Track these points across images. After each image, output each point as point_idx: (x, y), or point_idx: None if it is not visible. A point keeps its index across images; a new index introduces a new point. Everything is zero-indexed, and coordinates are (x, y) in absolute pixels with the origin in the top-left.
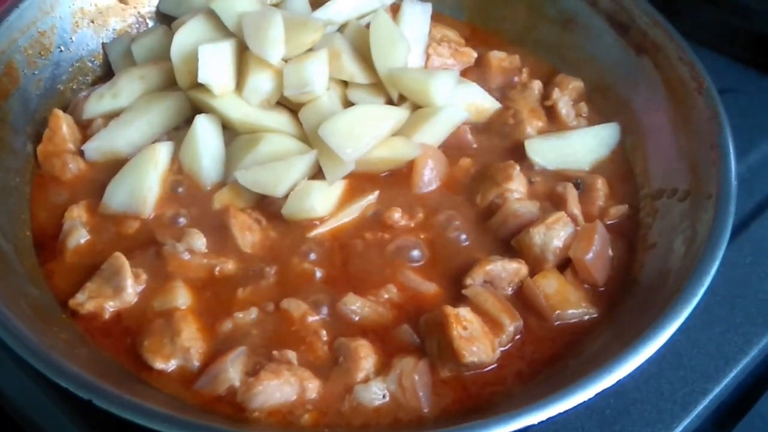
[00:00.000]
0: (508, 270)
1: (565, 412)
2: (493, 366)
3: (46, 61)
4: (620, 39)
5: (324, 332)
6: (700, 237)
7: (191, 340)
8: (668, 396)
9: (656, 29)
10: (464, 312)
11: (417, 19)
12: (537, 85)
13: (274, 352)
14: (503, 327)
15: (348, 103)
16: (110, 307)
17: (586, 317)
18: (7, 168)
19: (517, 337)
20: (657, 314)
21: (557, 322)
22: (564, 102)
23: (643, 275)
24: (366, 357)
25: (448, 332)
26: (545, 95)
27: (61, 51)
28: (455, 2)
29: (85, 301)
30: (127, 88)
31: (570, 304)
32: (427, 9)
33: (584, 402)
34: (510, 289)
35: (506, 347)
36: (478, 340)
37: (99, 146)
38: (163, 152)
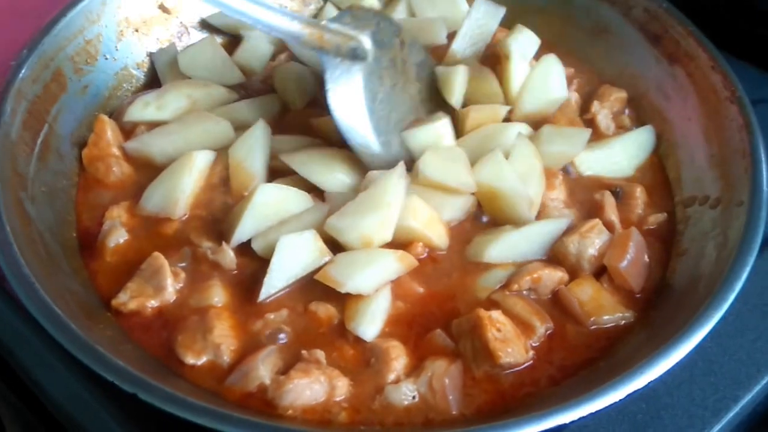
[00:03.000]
0: (553, 279)
1: (596, 413)
2: (527, 365)
3: (91, 68)
4: (653, 49)
5: (350, 335)
6: (731, 243)
7: (223, 337)
8: (699, 402)
9: (689, 39)
10: (497, 315)
11: (487, 22)
12: (574, 97)
13: (303, 352)
14: (534, 329)
15: None
16: (151, 305)
17: (623, 321)
18: (55, 171)
19: (548, 332)
20: (688, 318)
21: (593, 327)
22: (603, 115)
23: (675, 280)
24: (397, 358)
25: (484, 334)
26: (585, 107)
27: (106, 59)
28: None
29: (128, 300)
30: (173, 103)
31: (605, 310)
32: (500, 12)
33: (615, 405)
34: (549, 295)
35: (541, 348)
36: (512, 342)
37: (136, 147)
38: (199, 159)
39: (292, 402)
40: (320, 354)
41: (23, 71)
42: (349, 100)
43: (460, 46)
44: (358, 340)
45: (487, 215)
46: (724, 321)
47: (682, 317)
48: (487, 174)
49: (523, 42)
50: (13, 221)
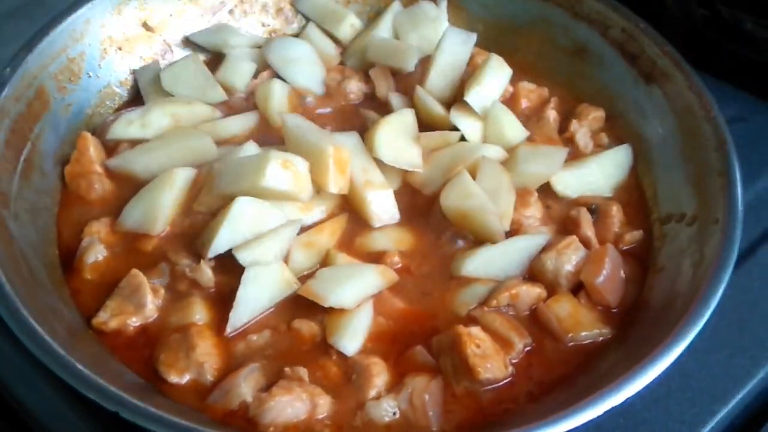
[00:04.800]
0: (531, 295)
1: (573, 429)
2: (506, 381)
3: (75, 86)
4: (630, 68)
5: (333, 353)
6: (706, 260)
7: (206, 355)
8: (677, 416)
9: (665, 59)
10: (476, 331)
11: (459, 51)
12: (552, 115)
13: (286, 369)
14: (513, 344)
15: None
16: (133, 323)
17: (600, 338)
18: (38, 189)
19: (527, 348)
20: (664, 335)
21: (571, 344)
22: (582, 133)
23: (652, 297)
24: (378, 374)
25: (463, 351)
26: (564, 126)
27: (89, 77)
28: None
29: (108, 319)
30: (157, 121)
31: (583, 327)
32: (471, 39)
33: (593, 420)
34: (528, 311)
35: (520, 365)
36: (491, 358)
37: (119, 164)
38: (180, 177)
39: (274, 420)
40: (303, 371)
41: (6, 90)
42: None
43: (434, 82)
44: (342, 358)
45: (463, 236)
46: (701, 336)
47: (658, 334)
48: (455, 196)
49: (485, 89)
50: None
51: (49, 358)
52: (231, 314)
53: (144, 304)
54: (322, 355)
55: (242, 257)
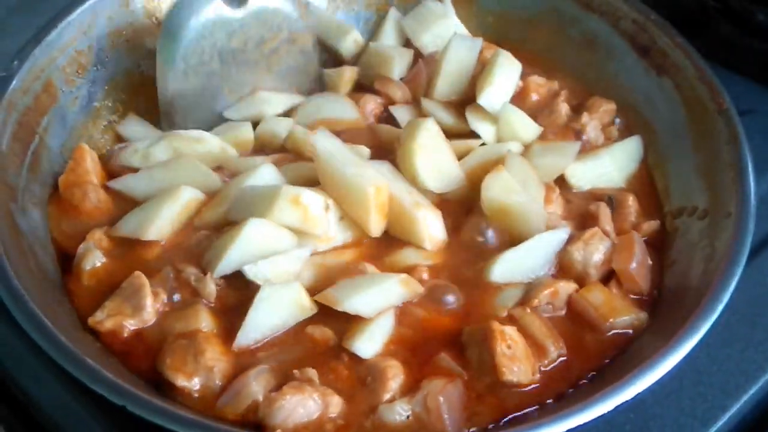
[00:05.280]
0: (569, 291)
1: (583, 425)
2: (533, 387)
3: (82, 79)
4: (641, 60)
5: (345, 356)
6: (718, 255)
7: (215, 361)
8: (688, 411)
9: (676, 50)
10: (510, 331)
11: (465, 57)
12: (564, 108)
13: (295, 371)
14: (547, 352)
15: None
16: (130, 325)
17: (636, 323)
18: (45, 183)
19: (561, 357)
20: (675, 331)
21: (611, 332)
22: (592, 126)
23: (664, 291)
24: (394, 377)
25: (492, 347)
26: (574, 119)
27: (97, 69)
28: (478, 24)
29: (104, 318)
30: (159, 157)
31: (620, 312)
32: (477, 45)
33: (603, 416)
34: (564, 308)
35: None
36: (520, 361)
37: (120, 188)
38: (185, 195)
39: (284, 420)
40: (312, 373)
41: (14, 83)
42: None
43: (441, 89)
44: (353, 361)
45: (498, 233)
46: (713, 331)
47: (669, 329)
48: (499, 190)
49: (496, 88)
50: (2, 233)
51: (56, 351)
52: (239, 333)
53: (143, 306)
54: (332, 358)
55: (252, 273)
